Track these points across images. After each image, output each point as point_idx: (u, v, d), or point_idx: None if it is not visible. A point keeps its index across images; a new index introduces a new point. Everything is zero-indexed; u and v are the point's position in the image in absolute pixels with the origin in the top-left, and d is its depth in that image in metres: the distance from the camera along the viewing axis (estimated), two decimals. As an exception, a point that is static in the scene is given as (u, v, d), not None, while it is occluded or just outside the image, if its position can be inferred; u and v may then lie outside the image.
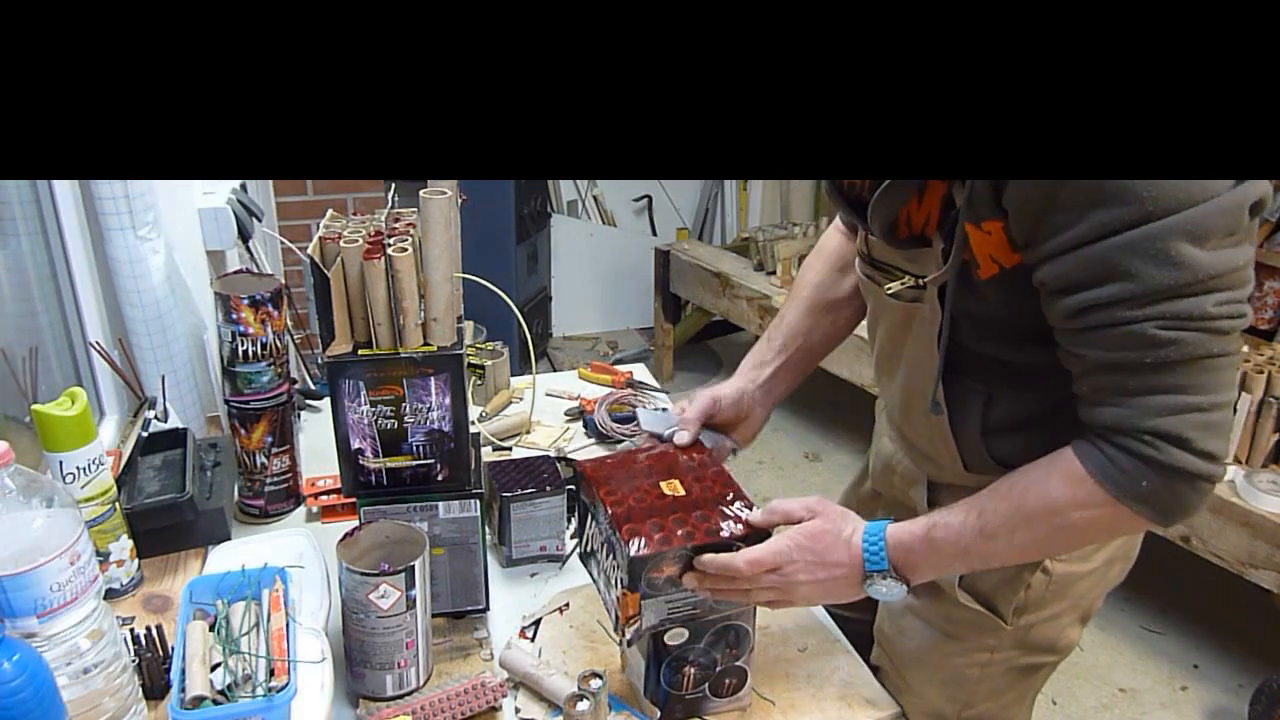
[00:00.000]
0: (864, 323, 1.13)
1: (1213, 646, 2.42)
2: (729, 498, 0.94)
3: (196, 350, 1.49)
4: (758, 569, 0.87)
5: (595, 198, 4.40)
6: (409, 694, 0.97)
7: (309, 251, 0.91)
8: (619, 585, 0.88)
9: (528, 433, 1.53)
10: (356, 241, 0.90)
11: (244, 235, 1.76)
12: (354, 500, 1.00)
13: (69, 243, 1.34)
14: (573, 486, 1.19)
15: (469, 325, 2.87)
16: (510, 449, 1.48)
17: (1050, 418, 0.88)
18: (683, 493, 0.94)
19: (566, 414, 1.60)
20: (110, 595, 1.06)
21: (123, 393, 1.39)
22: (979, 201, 0.79)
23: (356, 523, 0.98)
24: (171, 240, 1.40)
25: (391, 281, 0.89)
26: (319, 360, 1.57)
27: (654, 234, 4.52)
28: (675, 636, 0.92)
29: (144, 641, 0.93)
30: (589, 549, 0.99)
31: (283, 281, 1.24)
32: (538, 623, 1.09)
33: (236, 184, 1.84)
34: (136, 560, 1.10)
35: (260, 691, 0.81)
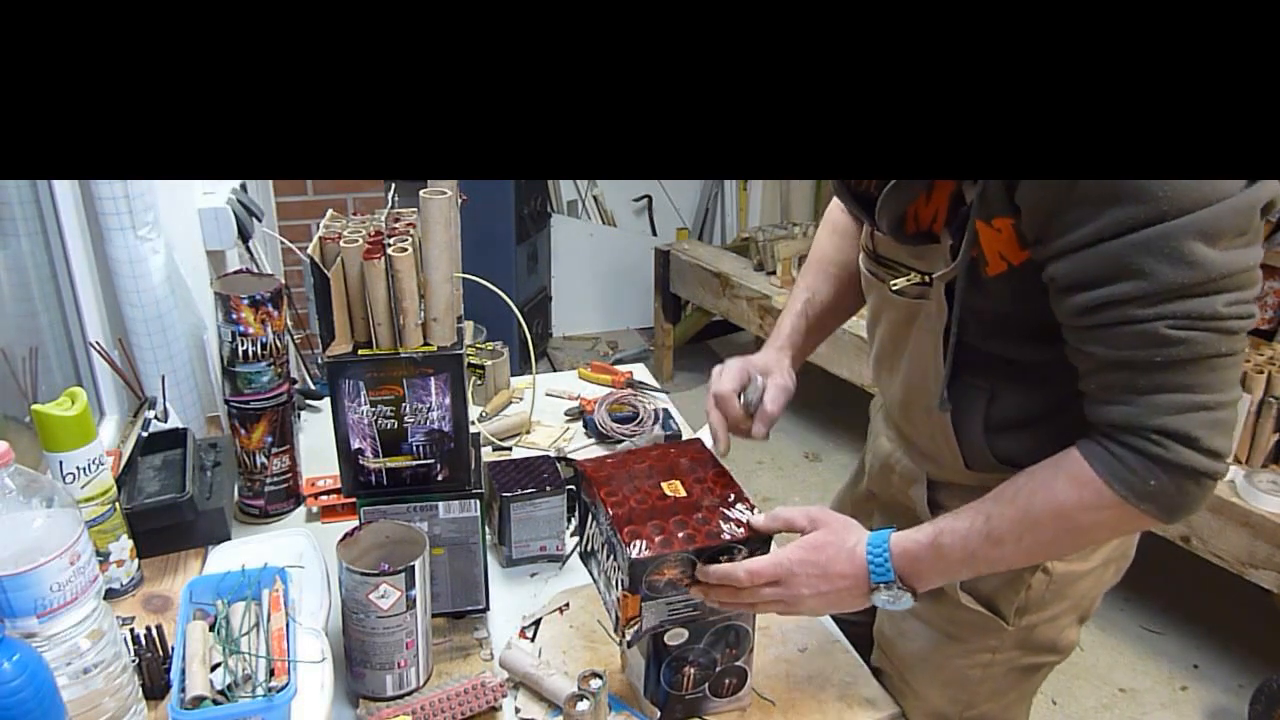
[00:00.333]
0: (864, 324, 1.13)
1: (1213, 646, 2.42)
2: (730, 499, 0.94)
3: (196, 350, 1.49)
4: (757, 580, 0.86)
5: (595, 198, 4.40)
6: (409, 694, 0.97)
7: (309, 251, 0.91)
8: (619, 586, 0.88)
9: (528, 433, 1.53)
10: (356, 241, 0.90)
11: (244, 235, 1.76)
12: (354, 500, 1.00)
13: (69, 243, 1.35)
14: (573, 486, 1.19)
15: (469, 325, 2.87)
16: (510, 449, 1.48)
17: (1053, 416, 0.88)
18: (684, 494, 0.94)
19: (566, 414, 1.60)
20: (110, 595, 1.06)
21: (123, 393, 1.39)
22: (991, 198, 0.79)
23: (356, 523, 0.98)
24: (171, 240, 1.40)
25: (391, 281, 0.89)
26: (319, 360, 1.57)
27: (654, 234, 4.52)
28: (675, 637, 0.92)
29: (144, 641, 0.93)
30: (589, 549, 0.99)
31: (283, 281, 1.24)
32: (538, 623, 1.09)
33: (236, 184, 1.84)
34: (136, 560, 1.10)
35: (260, 691, 0.81)
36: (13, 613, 0.75)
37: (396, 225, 0.96)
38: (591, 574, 1.00)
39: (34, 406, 0.97)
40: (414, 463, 0.97)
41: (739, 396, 1.05)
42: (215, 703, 0.80)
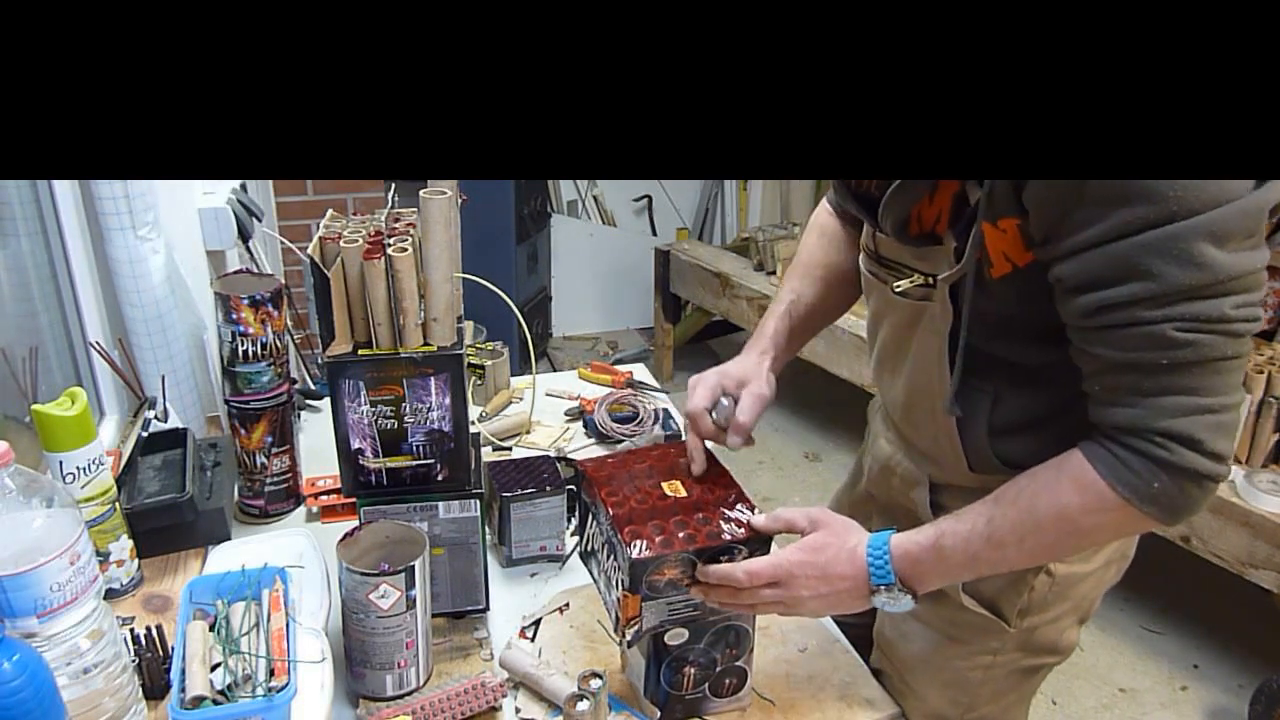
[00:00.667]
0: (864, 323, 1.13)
1: (1213, 646, 2.42)
2: (731, 499, 0.94)
3: (196, 350, 1.49)
4: (757, 581, 0.86)
5: (595, 198, 4.40)
6: (409, 694, 0.97)
7: (309, 251, 0.91)
8: (620, 587, 0.88)
9: (528, 433, 1.53)
10: (356, 241, 0.90)
11: (244, 235, 1.76)
12: (354, 500, 1.00)
13: (69, 243, 1.35)
14: (573, 486, 1.19)
15: (469, 325, 2.87)
16: (510, 449, 1.48)
17: (1057, 418, 0.88)
18: (684, 494, 0.94)
19: (566, 414, 1.60)
20: (110, 595, 1.06)
21: (123, 393, 1.39)
22: (998, 198, 0.79)
23: (356, 523, 0.98)
24: (171, 240, 1.40)
25: (391, 281, 0.89)
26: (319, 360, 1.57)
27: (654, 234, 4.52)
28: (675, 637, 0.92)
29: (144, 641, 0.93)
30: (590, 548, 0.99)
31: (283, 281, 1.24)
32: (538, 623, 1.09)
33: (236, 184, 1.84)
34: (136, 560, 1.10)
35: (260, 691, 0.81)
36: (13, 613, 0.75)
37: (396, 225, 0.96)
38: (591, 574, 1.00)
39: (34, 406, 0.97)
40: (414, 463, 0.97)
41: (710, 414, 1.05)
42: (215, 703, 0.80)
